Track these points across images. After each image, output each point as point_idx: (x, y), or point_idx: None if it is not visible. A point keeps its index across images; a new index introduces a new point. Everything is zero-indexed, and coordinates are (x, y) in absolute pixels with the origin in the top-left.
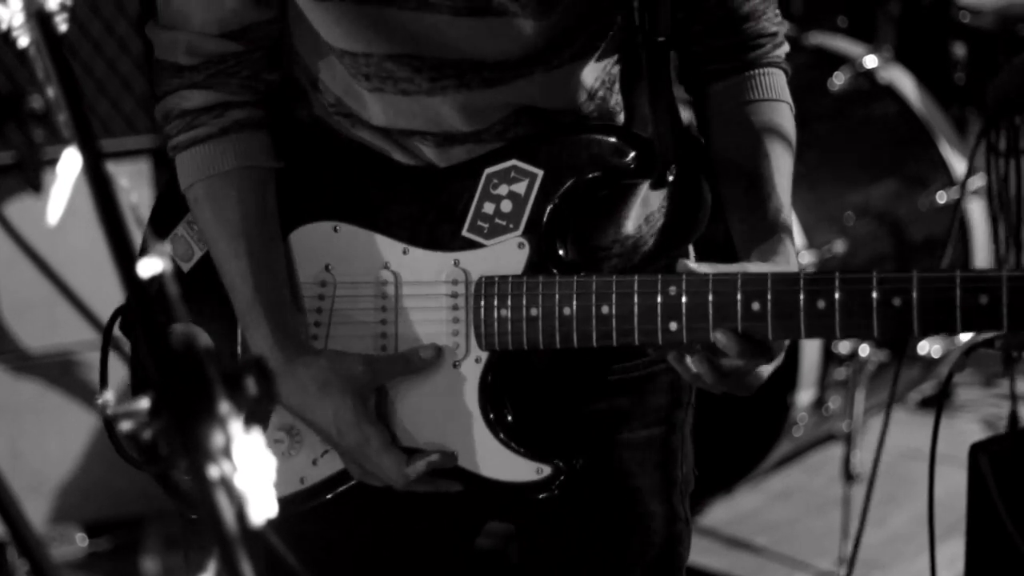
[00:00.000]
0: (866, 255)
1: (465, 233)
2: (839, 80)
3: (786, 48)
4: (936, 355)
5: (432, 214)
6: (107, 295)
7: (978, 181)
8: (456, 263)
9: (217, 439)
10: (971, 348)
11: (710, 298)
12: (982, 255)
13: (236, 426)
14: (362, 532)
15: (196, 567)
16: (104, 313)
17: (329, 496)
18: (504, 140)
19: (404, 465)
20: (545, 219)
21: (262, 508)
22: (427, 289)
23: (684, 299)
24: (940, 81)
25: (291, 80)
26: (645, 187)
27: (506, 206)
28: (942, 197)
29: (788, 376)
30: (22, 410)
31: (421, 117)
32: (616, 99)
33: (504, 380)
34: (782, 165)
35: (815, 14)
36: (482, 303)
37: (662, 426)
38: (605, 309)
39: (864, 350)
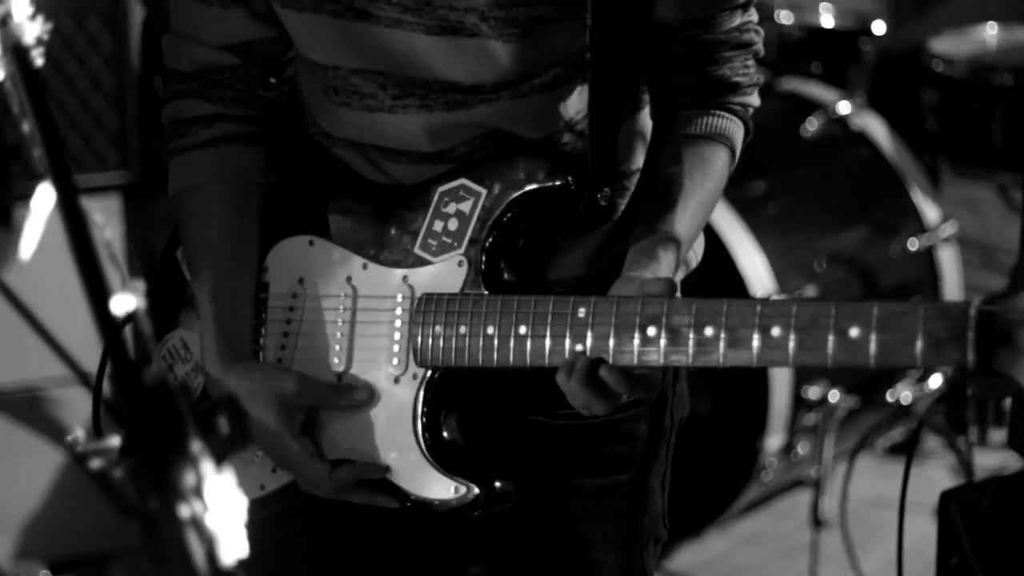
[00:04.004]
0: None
1: (416, 250)
2: (812, 126)
3: (753, 100)
4: (906, 402)
5: (391, 231)
6: (77, 331)
7: (949, 228)
8: (404, 279)
9: (188, 478)
10: (943, 396)
11: (612, 320)
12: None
13: (207, 465)
14: (328, 543)
15: None
16: (74, 348)
17: (288, 503)
18: (466, 161)
19: (328, 474)
20: (485, 238)
21: (233, 548)
22: (378, 304)
23: (591, 320)
24: (912, 128)
25: (294, 99)
26: (608, 225)
27: (452, 224)
28: (913, 244)
29: (757, 421)
30: None
31: (385, 134)
32: None
33: (444, 400)
34: (692, 197)
35: (789, 60)
36: (420, 319)
37: (620, 475)
38: (523, 329)
39: (834, 396)
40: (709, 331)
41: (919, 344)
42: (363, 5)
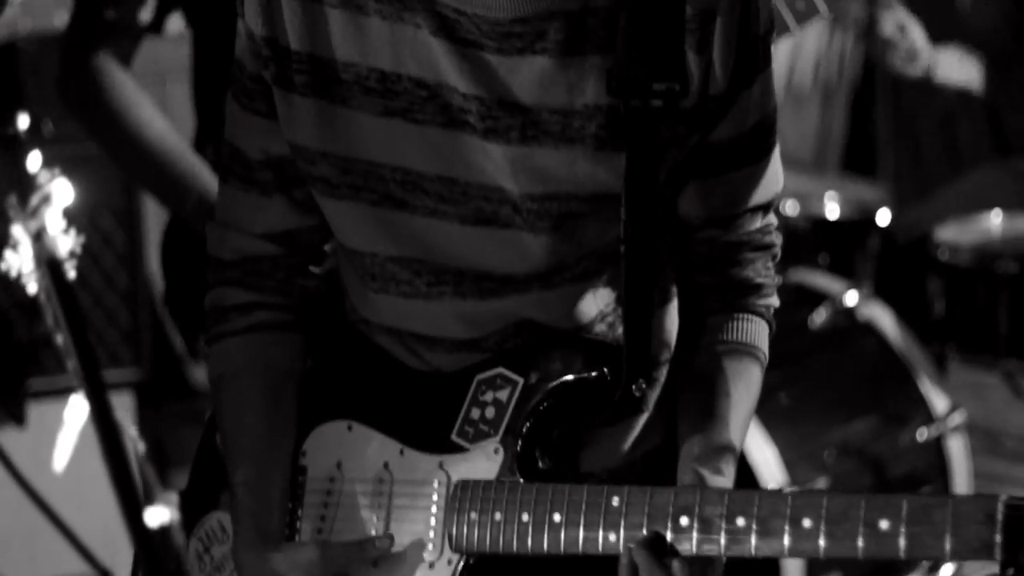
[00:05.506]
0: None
1: (453, 437)
2: (819, 317)
3: (774, 301)
4: None
5: (428, 417)
6: (90, 527)
7: (957, 418)
8: (440, 465)
9: None
10: None
11: (646, 510)
12: (963, 492)
13: None
14: None
15: None
16: (88, 542)
17: None
18: (501, 350)
19: None
20: (521, 426)
21: None
22: (415, 489)
23: (624, 510)
24: (919, 315)
25: (334, 286)
26: (640, 418)
27: (490, 412)
28: (922, 434)
29: None
30: None
31: (422, 321)
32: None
33: None
34: (740, 410)
35: (795, 251)
36: (456, 505)
37: None
38: (557, 517)
39: None
40: (741, 521)
41: (948, 538)
42: (400, 194)
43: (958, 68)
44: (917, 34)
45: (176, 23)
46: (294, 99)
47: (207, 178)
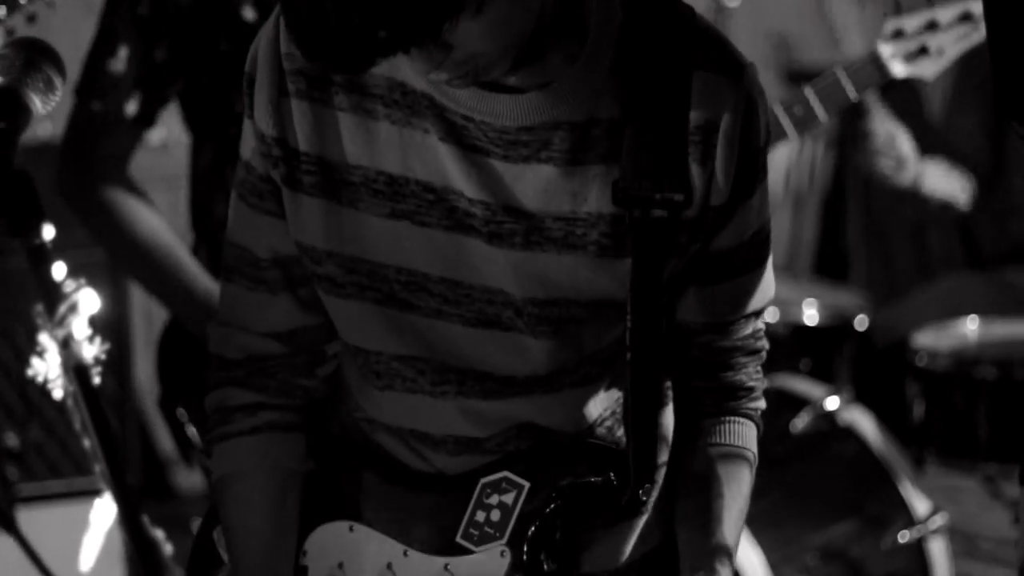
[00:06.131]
0: None
1: (458, 539)
2: (801, 422)
3: (762, 404)
4: None
5: (432, 519)
6: None
7: (938, 520)
8: (446, 567)
9: None
10: None
11: None
12: None
13: None
14: None
15: None
16: None
17: None
18: (504, 452)
19: None
20: (527, 530)
21: None
22: None
23: None
24: (898, 420)
25: (335, 386)
26: (641, 519)
27: (495, 515)
28: (904, 537)
29: None
30: None
31: (426, 418)
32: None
33: None
34: (734, 510)
35: (777, 357)
36: None
37: None
38: None
39: None
40: None
41: None
42: (404, 295)
43: (944, 181)
44: (905, 144)
45: (159, 133)
46: (302, 199)
47: (207, 281)
